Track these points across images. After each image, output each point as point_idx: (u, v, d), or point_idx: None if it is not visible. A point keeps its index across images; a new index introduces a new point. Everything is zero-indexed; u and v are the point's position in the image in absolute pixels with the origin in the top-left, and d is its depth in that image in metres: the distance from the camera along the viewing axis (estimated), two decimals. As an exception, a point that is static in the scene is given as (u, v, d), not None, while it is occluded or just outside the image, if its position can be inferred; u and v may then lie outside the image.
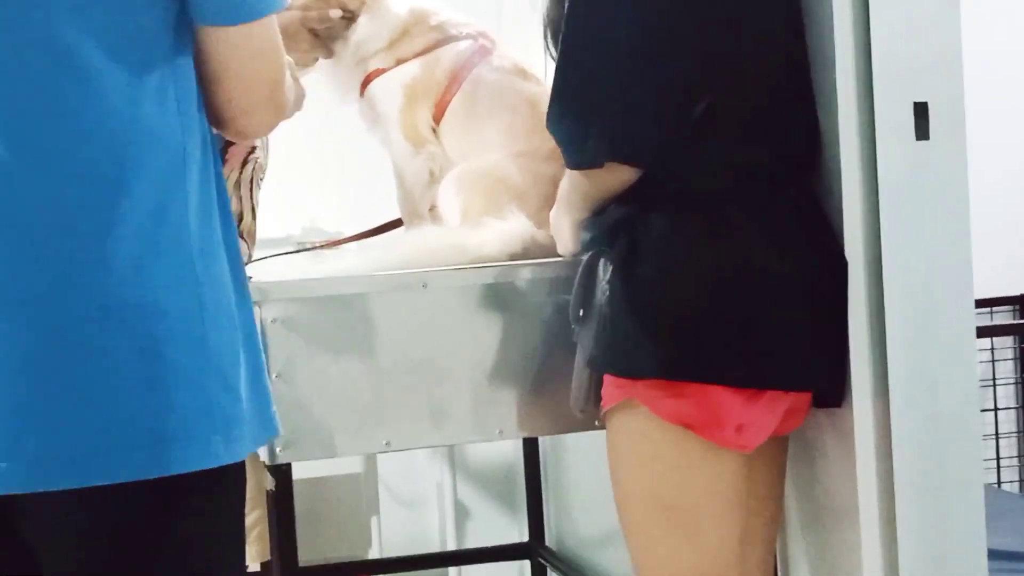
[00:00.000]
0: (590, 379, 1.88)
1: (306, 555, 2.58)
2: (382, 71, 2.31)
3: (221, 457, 1.43)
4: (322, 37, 2.31)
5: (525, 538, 3.32)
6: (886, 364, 1.82)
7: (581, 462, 3.13)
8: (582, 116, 1.82)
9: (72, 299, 1.38)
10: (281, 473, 2.02)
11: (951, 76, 1.82)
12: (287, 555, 2.08)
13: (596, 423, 1.93)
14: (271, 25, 1.49)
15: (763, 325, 1.80)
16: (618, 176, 1.83)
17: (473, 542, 3.57)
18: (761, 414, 1.81)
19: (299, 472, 2.14)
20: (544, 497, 3.27)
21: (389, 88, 2.30)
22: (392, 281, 1.99)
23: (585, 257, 1.90)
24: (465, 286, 2.01)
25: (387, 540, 3.50)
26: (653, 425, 1.81)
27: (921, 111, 1.80)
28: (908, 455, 1.83)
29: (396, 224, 2.43)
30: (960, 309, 1.83)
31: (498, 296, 2.02)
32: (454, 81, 2.29)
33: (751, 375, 1.79)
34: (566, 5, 1.81)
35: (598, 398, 1.87)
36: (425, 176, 2.32)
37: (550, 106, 1.86)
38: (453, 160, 2.31)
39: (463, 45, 2.31)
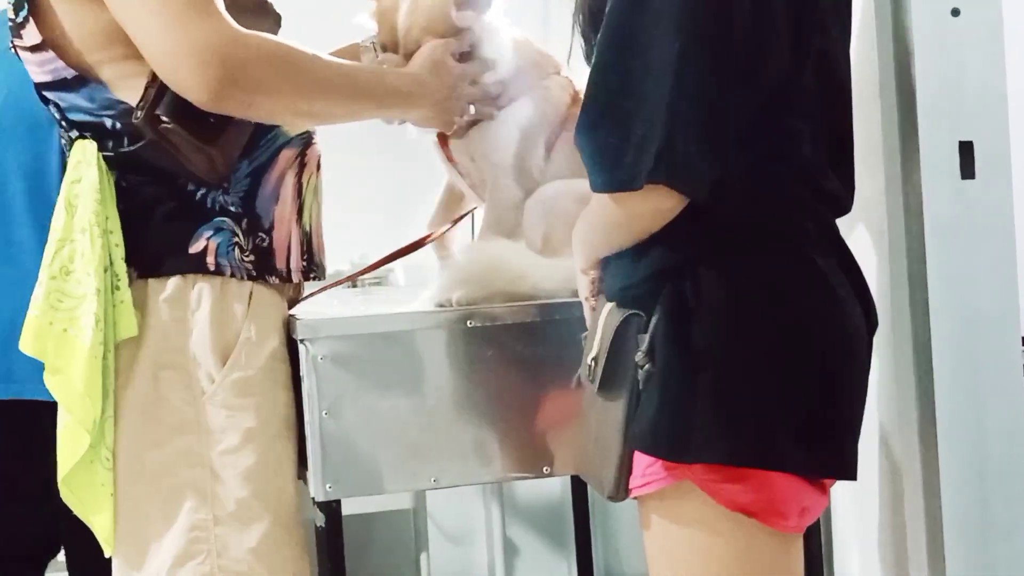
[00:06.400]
0: (622, 457, 1.63)
1: (355, 591, 2.60)
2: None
3: None
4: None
5: (574, 576, 3.31)
6: (934, 402, 1.82)
7: (629, 501, 3.11)
8: (621, 125, 1.47)
9: None
10: (331, 509, 2.04)
11: (996, 115, 1.82)
12: (335, 591, 2.09)
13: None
14: None
15: (842, 402, 1.56)
16: (658, 204, 1.50)
17: (522, 579, 3.57)
18: (821, 493, 1.62)
19: (350, 507, 2.15)
20: (592, 535, 3.26)
21: (506, 130, 2.19)
22: (436, 318, 2.01)
23: (610, 309, 1.63)
24: (510, 323, 2.02)
25: (436, 576, 3.51)
26: (711, 512, 1.58)
27: (966, 150, 1.80)
28: (956, 495, 1.82)
29: (422, 243, 2.31)
30: (1006, 346, 1.83)
31: (543, 333, 2.02)
32: (563, 119, 2.21)
33: (827, 464, 1.57)
34: None
35: (630, 474, 1.65)
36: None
37: (582, 112, 1.53)
38: None
39: (563, 81, 2.23)
